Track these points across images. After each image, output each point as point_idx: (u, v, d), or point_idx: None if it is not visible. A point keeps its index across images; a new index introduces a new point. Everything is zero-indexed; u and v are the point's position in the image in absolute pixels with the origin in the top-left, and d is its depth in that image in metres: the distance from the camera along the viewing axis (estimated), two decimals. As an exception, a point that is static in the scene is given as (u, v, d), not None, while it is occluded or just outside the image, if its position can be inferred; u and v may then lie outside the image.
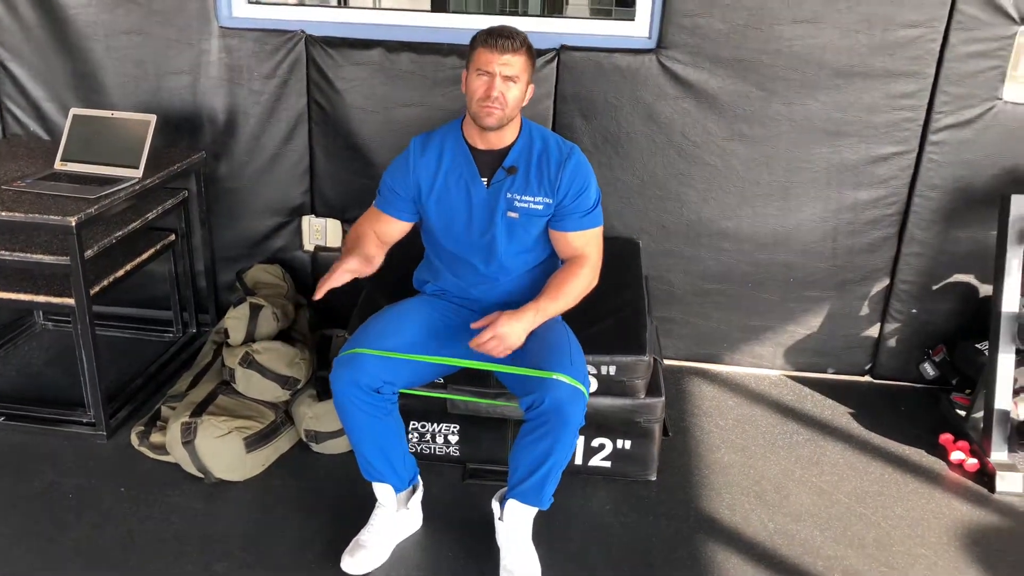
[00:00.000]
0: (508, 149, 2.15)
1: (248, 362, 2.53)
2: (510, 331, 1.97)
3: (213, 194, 3.02)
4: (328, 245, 3.09)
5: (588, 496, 2.37)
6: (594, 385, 2.31)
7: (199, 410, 2.43)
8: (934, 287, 2.90)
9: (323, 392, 2.58)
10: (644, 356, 2.31)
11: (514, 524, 2.06)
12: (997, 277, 2.59)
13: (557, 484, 2.03)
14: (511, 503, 2.04)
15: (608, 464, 2.42)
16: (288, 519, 2.26)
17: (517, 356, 2.04)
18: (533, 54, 2.10)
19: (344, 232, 3.06)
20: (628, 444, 2.39)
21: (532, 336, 2.06)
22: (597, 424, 2.35)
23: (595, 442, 2.39)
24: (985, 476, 2.50)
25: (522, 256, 2.20)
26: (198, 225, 3.02)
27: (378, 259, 2.16)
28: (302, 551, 2.14)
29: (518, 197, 2.13)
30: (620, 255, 2.75)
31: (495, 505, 2.11)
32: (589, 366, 2.27)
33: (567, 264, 2.17)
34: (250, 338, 2.64)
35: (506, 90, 2.03)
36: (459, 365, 2.17)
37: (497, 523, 2.09)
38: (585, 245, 2.16)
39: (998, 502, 2.41)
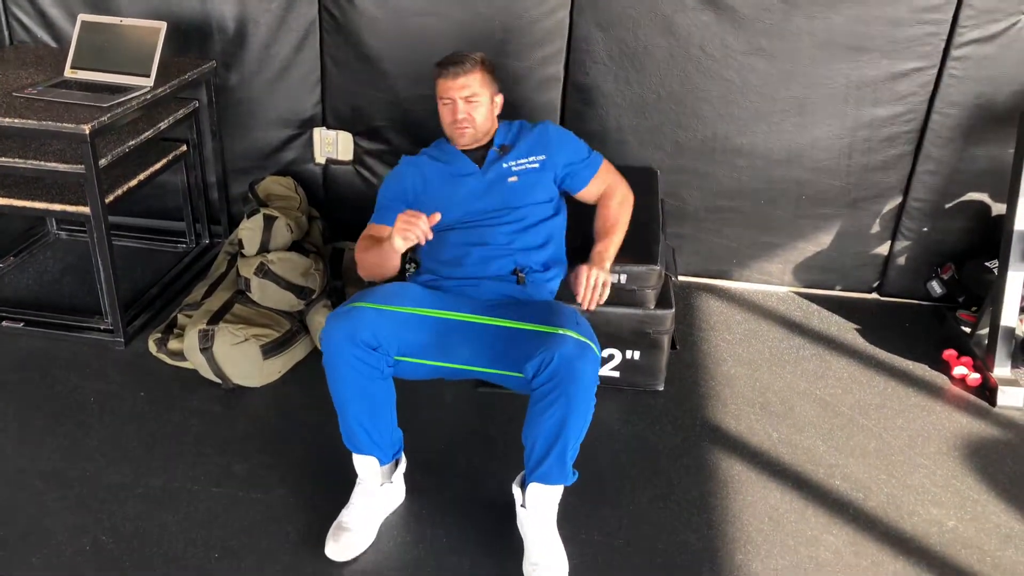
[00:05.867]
0: (491, 141, 2.32)
1: (263, 272, 2.56)
2: (597, 273, 2.08)
3: (224, 104, 3.00)
4: (339, 158, 3.08)
5: (598, 405, 2.39)
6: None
7: (216, 318, 2.47)
8: (947, 205, 2.89)
9: (337, 302, 2.61)
10: (655, 265, 2.34)
11: (539, 510, 1.88)
12: (1012, 194, 2.58)
13: (576, 454, 1.87)
14: (533, 487, 1.86)
15: (617, 374, 2.47)
16: (304, 424, 2.33)
17: (521, 319, 1.97)
18: (490, 67, 2.29)
19: (355, 144, 3.04)
20: (637, 355, 2.43)
21: (534, 305, 2.04)
22: (608, 334, 2.39)
23: (605, 352, 2.43)
24: (987, 391, 2.54)
25: (531, 210, 2.23)
26: (209, 136, 3.00)
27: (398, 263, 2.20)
28: (319, 454, 2.21)
29: (514, 163, 2.27)
30: (638, 183, 2.74)
31: (516, 491, 1.92)
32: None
33: (601, 202, 2.33)
34: (264, 248, 2.66)
35: (471, 110, 2.23)
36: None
37: (519, 510, 1.91)
38: (605, 179, 2.34)
39: (998, 416, 2.46)
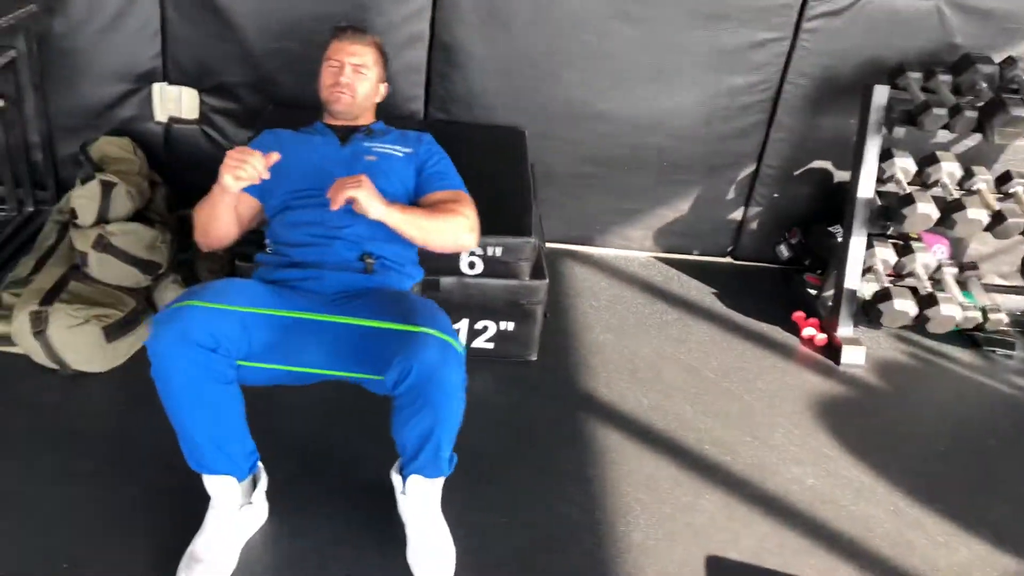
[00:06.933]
0: (365, 126, 2.23)
1: (103, 245, 2.32)
2: (362, 181, 1.82)
3: (48, 56, 2.67)
4: (183, 116, 2.83)
5: (472, 377, 2.29)
6: (480, 267, 2.30)
7: (49, 297, 2.22)
8: (795, 172, 3.04)
9: (188, 277, 2.43)
10: (529, 238, 2.31)
11: (420, 499, 1.79)
12: (855, 164, 2.74)
13: (452, 446, 1.76)
14: (412, 479, 1.76)
15: (491, 346, 2.44)
16: (157, 410, 2.07)
17: (374, 316, 1.78)
18: (384, 53, 2.28)
19: (201, 102, 2.81)
20: (511, 326, 2.41)
21: (388, 302, 1.85)
22: (482, 306, 2.36)
23: (479, 324, 2.40)
24: (832, 350, 2.72)
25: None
26: (31, 90, 2.67)
27: (235, 226, 2.02)
28: (174, 443, 2.02)
29: (377, 145, 2.15)
30: (506, 143, 2.71)
31: (395, 479, 1.81)
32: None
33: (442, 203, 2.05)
34: (102, 219, 2.41)
35: (355, 80, 2.18)
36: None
37: (400, 497, 1.81)
38: (454, 196, 2.06)
39: (843, 373, 2.64)
